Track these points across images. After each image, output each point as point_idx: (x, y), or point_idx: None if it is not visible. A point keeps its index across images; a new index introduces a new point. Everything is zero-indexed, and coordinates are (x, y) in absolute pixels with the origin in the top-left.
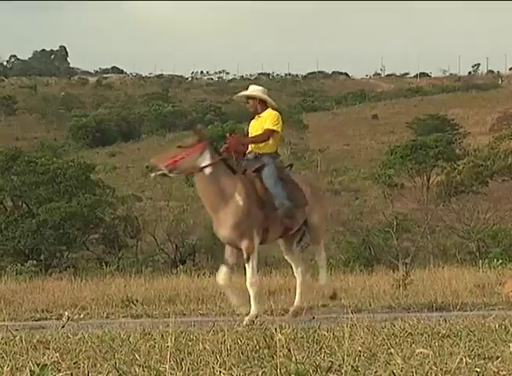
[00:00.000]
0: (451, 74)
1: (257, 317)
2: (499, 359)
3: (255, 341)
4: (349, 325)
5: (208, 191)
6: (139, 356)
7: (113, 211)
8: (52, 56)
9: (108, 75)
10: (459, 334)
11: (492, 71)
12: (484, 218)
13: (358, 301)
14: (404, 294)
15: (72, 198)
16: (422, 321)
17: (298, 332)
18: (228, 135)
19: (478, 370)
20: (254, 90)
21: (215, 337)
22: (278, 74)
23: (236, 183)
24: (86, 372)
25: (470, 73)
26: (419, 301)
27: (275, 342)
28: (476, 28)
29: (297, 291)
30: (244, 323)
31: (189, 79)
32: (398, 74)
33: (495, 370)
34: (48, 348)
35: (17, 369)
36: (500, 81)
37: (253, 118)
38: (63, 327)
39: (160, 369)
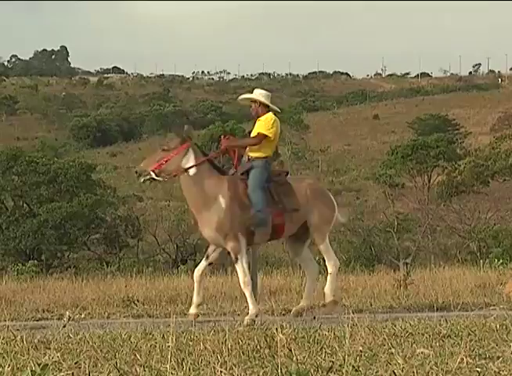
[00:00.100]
0: (452, 74)
1: (257, 316)
2: (500, 359)
3: (256, 341)
4: (350, 325)
5: (192, 192)
6: (140, 355)
7: (114, 211)
8: (53, 56)
9: (109, 75)
10: (460, 334)
11: (492, 71)
12: (485, 218)
13: (359, 301)
14: (405, 294)
15: (73, 198)
16: (423, 321)
17: (299, 332)
18: (222, 136)
19: (479, 370)
20: (256, 94)
21: (216, 337)
22: (279, 74)
23: (221, 185)
24: (87, 372)
25: (471, 73)
26: (420, 301)
27: (276, 342)
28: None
29: (305, 291)
30: (245, 322)
31: (190, 79)
32: (399, 74)
33: (496, 370)
34: (49, 348)
35: (18, 369)
36: (500, 81)
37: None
38: (64, 326)
39: (161, 369)
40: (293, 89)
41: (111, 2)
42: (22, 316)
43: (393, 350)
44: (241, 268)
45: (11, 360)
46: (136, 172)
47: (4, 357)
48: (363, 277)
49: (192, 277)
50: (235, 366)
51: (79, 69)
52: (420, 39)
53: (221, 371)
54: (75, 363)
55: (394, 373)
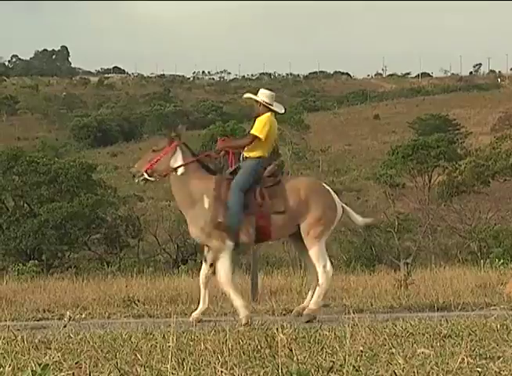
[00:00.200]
0: (452, 74)
1: (247, 313)
2: (501, 359)
3: (257, 341)
4: (351, 325)
5: (180, 191)
6: (141, 355)
7: (115, 211)
8: (54, 56)
9: (110, 75)
10: (461, 334)
11: (493, 71)
12: (485, 218)
13: (359, 301)
14: (405, 294)
15: (73, 198)
16: (423, 321)
17: (300, 332)
18: (219, 138)
19: (480, 370)
20: (259, 93)
21: (217, 337)
22: (279, 74)
23: (208, 184)
24: (88, 372)
25: (471, 73)
26: (420, 301)
27: (277, 342)
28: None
29: (309, 293)
30: (240, 323)
31: (191, 79)
32: (399, 74)
33: (497, 370)
34: (50, 348)
35: (19, 369)
36: (500, 81)
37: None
38: (64, 326)
39: (162, 369)
40: (294, 89)
41: (111, 2)
42: (22, 316)
43: (394, 350)
44: (222, 267)
45: (12, 360)
46: (131, 173)
47: (5, 357)
48: (364, 277)
49: (192, 277)
50: (235, 367)
51: (80, 69)
52: (420, 39)
53: (221, 371)
54: (76, 363)
55: (395, 373)
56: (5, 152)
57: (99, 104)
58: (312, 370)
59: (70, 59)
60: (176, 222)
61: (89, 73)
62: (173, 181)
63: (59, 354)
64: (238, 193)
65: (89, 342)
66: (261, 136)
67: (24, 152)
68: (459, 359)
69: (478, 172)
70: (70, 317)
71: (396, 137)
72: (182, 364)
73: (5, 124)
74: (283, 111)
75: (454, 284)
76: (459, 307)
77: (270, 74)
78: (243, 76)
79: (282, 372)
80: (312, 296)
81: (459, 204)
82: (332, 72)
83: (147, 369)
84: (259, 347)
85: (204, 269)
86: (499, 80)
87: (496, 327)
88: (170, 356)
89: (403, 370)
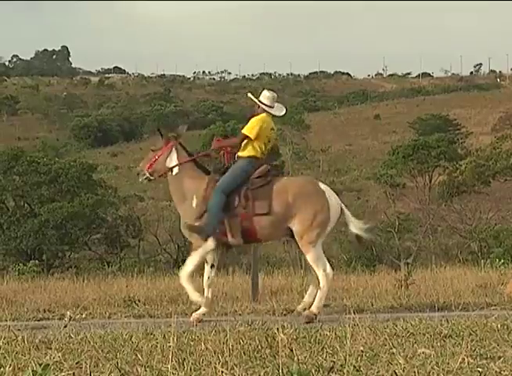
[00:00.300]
0: (453, 74)
1: (205, 307)
2: (501, 359)
3: (257, 341)
4: (351, 325)
5: (174, 191)
6: (141, 355)
7: (115, 211)
8: (54, 56)
9: (110, 75)
10: (461, 334)
11: (493, 71)
12: (486, 218)
13: (360, 301)
14: (406, 294)
15: (74, 198)
16: (424, 321)
17: (300, 332)
18: (214, 138)
19: (480, 370)
20: (261, 95)
21: (217, 337)
22: (280, 74)
23: (199, 185)
24: (88, 372)
25: (472, 73)
26: (421, 301)
27: (277, 342)
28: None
29: (309, 290)
30: (192, 318)
31: (191, 79)
32: (400, 74)
33: (497, 370)
34: (51, 348)
35: (19, 369)
36: (500, 81)
37: None
38: (65, 326)
39: (162, 369)
40: (295, 89)
41: (111, 2)
42: (23, 316)
43: (394, 350)
44: (190, 262)
45: (12, 360)
46: (136, 172)
47: (5, 357)
48: (364, 277)
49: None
50: (236, 367)
51: (80, 69)
52: (421, 39)
53: (222, 371)
54: (76, 363)
55: (396, 373)
56: (5, 152)
57: (100, 104)
58: (313, 370)
59: (70, 59)
60: (177, 221)
61: (90, 73)
62: (169, 180)
63: (60, 354)
64: (219, 195)
65: (90, 342)
66: (251, 136)
67: (25, 152)
68: (460, 359)
69: (479, 172)
70: (71, 317)
71: (396, 137)
72: (183, 364)
73: (5, 124)
74: (281, 114)
75: (454, 284)
76: (460, 307)
77: (270, 74)
78: (244, 76)
79: (282, 372)
80: (311, 295)
81: (459, 204)
82: (332, 72)
83: (148, 369)
84: (260, 347)
85: (206, 271)
86: (499, 80)
87: (497, 327)
88: (170, 356)
89: (404, 370)
